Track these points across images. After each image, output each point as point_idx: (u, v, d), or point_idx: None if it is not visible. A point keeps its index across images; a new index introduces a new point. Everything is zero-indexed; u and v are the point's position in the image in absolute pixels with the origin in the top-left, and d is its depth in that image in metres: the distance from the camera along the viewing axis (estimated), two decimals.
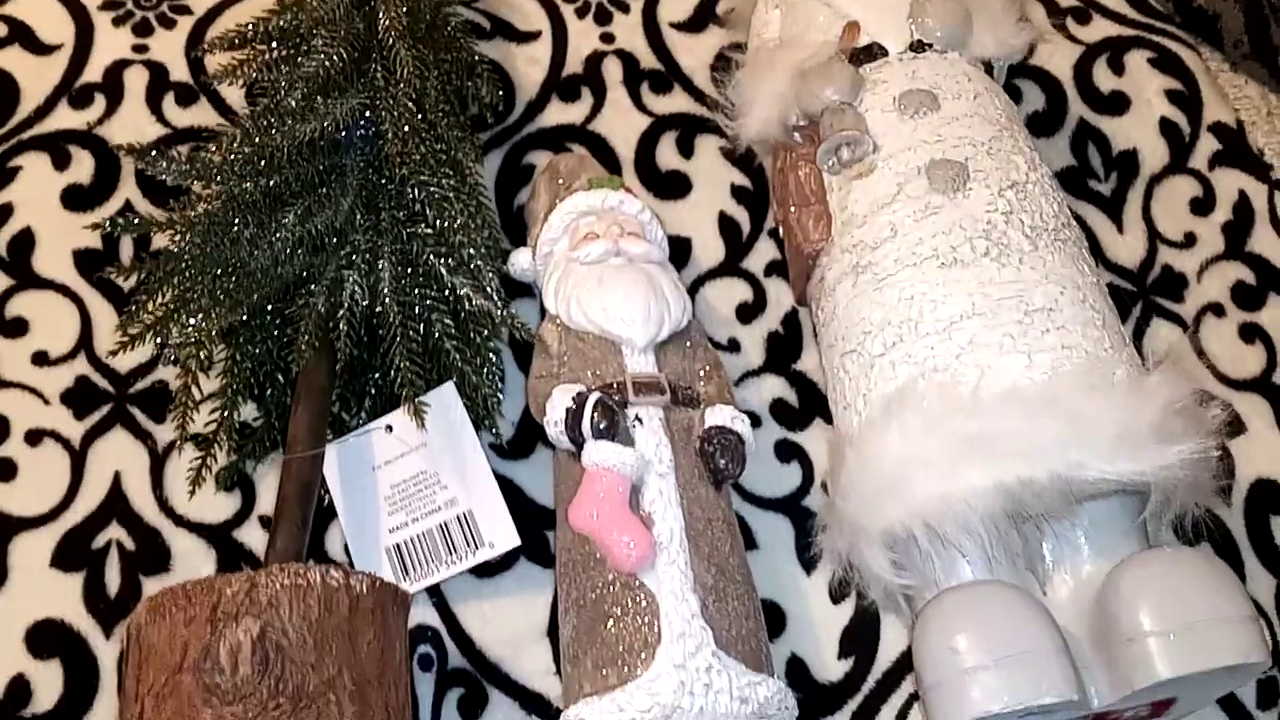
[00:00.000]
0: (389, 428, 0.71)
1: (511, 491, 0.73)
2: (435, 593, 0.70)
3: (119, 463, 0.74)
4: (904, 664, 0.69)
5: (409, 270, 0.71)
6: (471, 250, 0.71)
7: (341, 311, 0.69)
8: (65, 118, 0.85)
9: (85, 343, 0.77)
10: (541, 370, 0.70)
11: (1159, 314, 0.80)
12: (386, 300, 0.69)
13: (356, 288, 0.70)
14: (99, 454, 0.74)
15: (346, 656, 0.58)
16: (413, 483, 0.70)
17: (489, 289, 0.71)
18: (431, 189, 0.72)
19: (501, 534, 0.69)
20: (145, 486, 0.73)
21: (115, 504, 0.72)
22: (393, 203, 0.72)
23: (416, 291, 0.70)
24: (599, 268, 0.71)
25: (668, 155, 0.85)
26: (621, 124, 0.87)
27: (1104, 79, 0.88)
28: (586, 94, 0.88)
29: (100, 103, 0.86)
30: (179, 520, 0.72)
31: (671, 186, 0.84)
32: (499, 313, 0.70)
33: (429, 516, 0.70)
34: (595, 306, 0.69)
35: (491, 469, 0.70)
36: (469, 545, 0.69)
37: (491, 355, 0.73)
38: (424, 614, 0.70)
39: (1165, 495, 0.61)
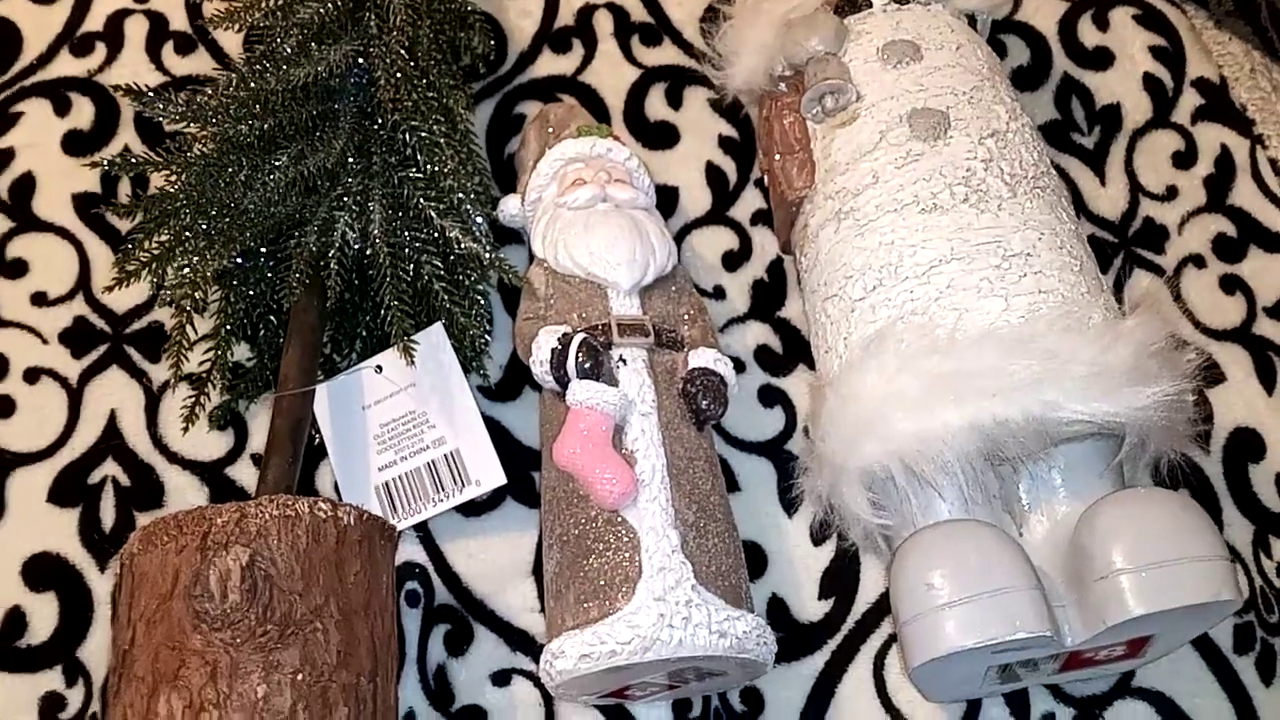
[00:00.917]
0: (379, 368, 0.73)
1: (499, 433, 0.74)
2: (423, 530, 0.72)
3: (115, 401, 0.75)
4: (883, 605, 0.70)
5: (399, 213, 0.72)
6: (461, 195, 0.72)
7: (332, 251, 0.70)
8: (66, 65, 0.87)
9: (84, 284, 0.79)
10: (528, 312, 0.71)
11: (1140, 265, 0.81)
12: (376, 240, 0.70)
13: (347, 228, 0.71)
14: (95, 392, 0.76)
15: (333, 586, 0.59)
16: (401, 422, 0.72)
17: (478, 233, 0.72)
18: (422, 134, 0.73)
19: (488, 472, 0.70)
20: (140, 424, 0.75)
21: (111, 441, 0.74)
22: (384, 148, 0.73)
23: (406, 234, 0.72)
24: (586, 213, 0.72)
25: (656, 106, 0.86)
26: (611, 75, 0.87)
27: (1089, 34, 0.89)
28: (578, 46, 0.88)
29: (101, 51, 0.87)
30: (172, 457, 0.74)
31: (660, 137, 0.85)
32: (487, 256, 0.71)
33: (417, 455, 0.71)
34: (581, 250, 0.70)
35: (479, 410, 0.72)
36: (456, 483, 0.70)
37: (480, 298, 0.74)
38: (412, 551, 0.71)
39: (1140, 438, 0.62)
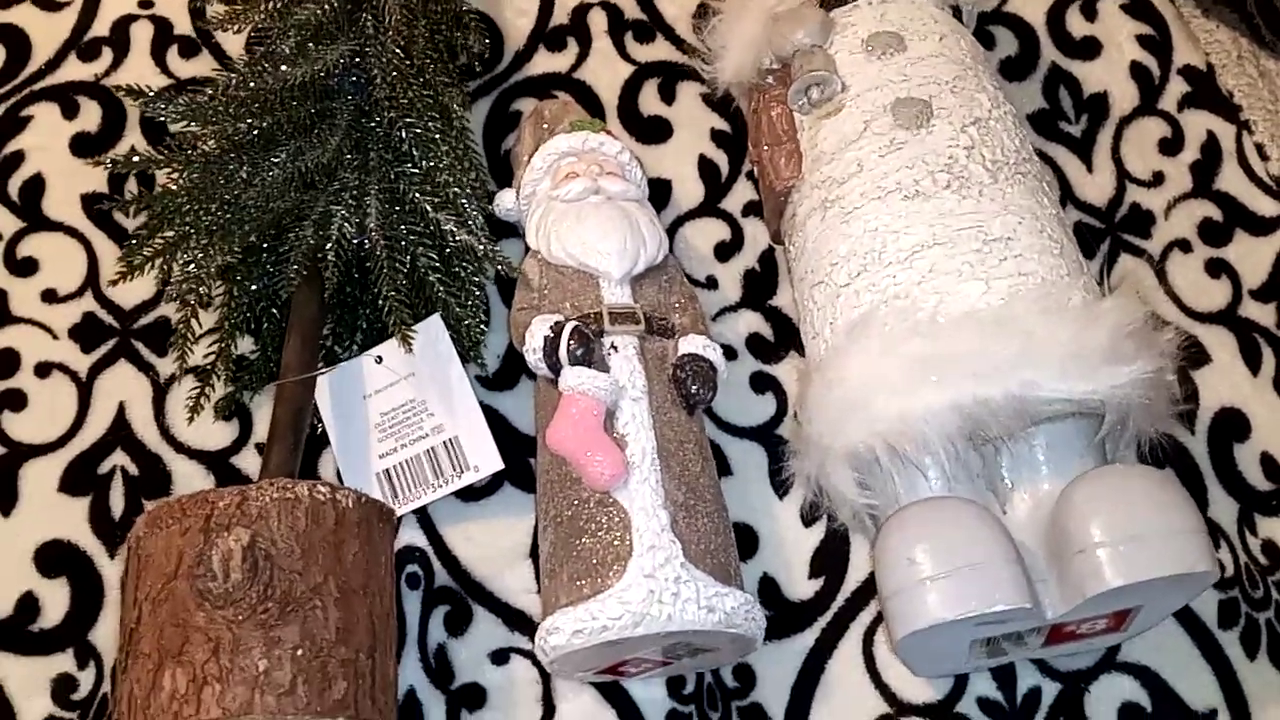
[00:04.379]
0: (379, 358, 0.74)
1: (496, 421, 0.76)
2: (423, 515, 0.74)
3: (123, 393, 0.77)
4: (872, 584, 0.72)
5: (396, 207, 0.74)
6: (457, 189, 0.74)
7: (329, 244, 0.72)
8: (74, 70, 0.89)
9: (92, 281, 0.81)
10: (523, 302, 0.73)
11: (1127, 250, 0.82)
12: (373, 234, 0.72)
13: (344, 222, 0.72)
14: (104, 385, 0.78)
15: (332, 566, 0.61)
16: (401, 411, 0.74)
17: (473, 225, 0.74)
18: (418, 131, 0.74)
19: (486, 458, 0.72)
20: (148, 415, 0.77)
21: (119, 432, 0.76)
22: (381, 144, 0.75)
23: (403, 227, 0.73)
24: (578, 205, 0.74)
25: (650, 101, 0.88)
26: (606, 72, 0.89)
27: (1076, 25, 0.90)
28: (572, 43, 0.90)
29: (107, 55, 0.89)
30: (179, 447, 0.76)
31: (653, 131, 0.87)
32: (481, 248, 0.73)
33: (417, 443, 0.73)
34: (574, 240, 0.72)
35: (477, 398, 0.74)
36: (455, 469, 0.72)
37: (476, 290, 0.76)
38: (412, 535, 0.73)
39: (1119, 416, 0.63)
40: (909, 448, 0.63)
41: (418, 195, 0.74)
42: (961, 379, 0.62)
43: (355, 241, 0.74)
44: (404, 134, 0.75)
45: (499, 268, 0.73)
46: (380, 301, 0.71)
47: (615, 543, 0.64)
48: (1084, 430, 0.66)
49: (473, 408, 0.73)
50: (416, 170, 0.74)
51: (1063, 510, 0.62)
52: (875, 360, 0.64)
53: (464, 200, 0.74)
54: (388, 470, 0.73)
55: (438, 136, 0.75)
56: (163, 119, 0.75)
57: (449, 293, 0.73)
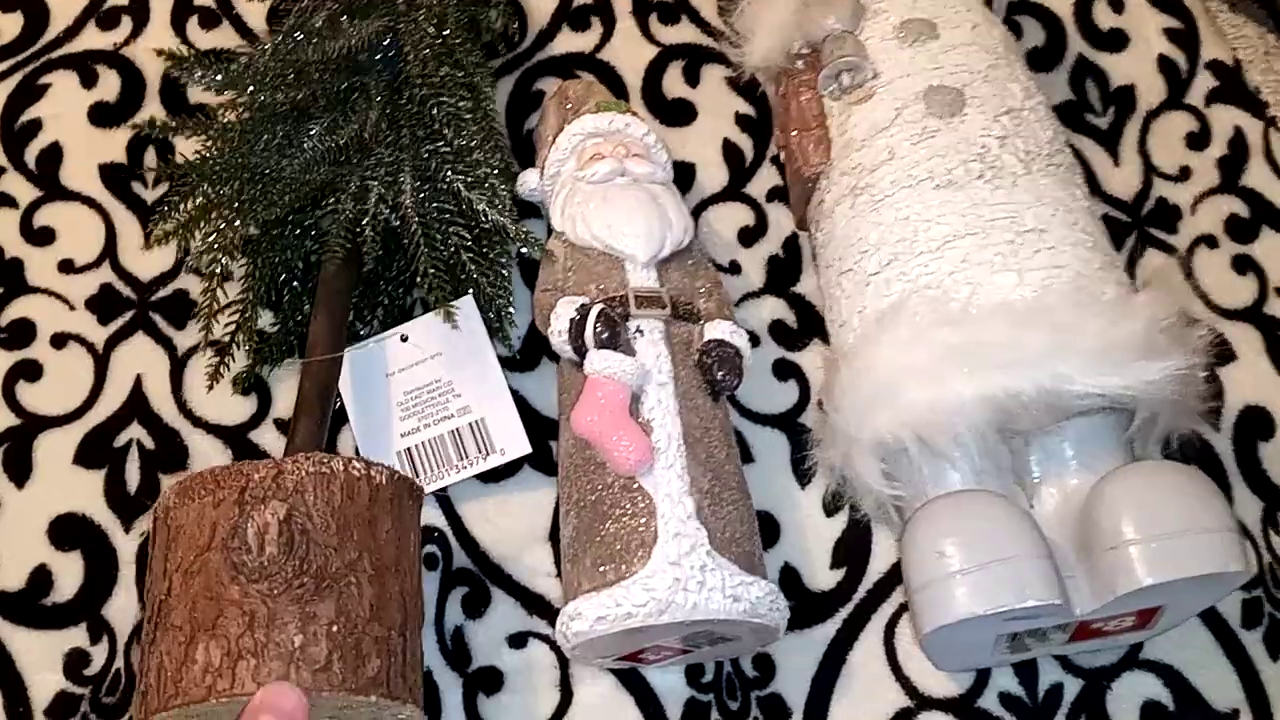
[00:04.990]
0: (403, 337, 0.74)
1: (517, 402, 0.74)
2: (441, 495, 0.73)
3: (140, 366, 0.77)
4: (894, 575, 0.71)
5: (428, 185, 0.73)
6: (487, 169, 0.73)
7: (366, 219, 0.71)
8: (93, 38, 0.88)
9: (110, 252, 0.80)
10: (547, 284, 0.72)
11: (1152, 244, 0.81)
12: (408, 210, 0.71)
13: (380, 198, 0.72)
14: (121, 358, 0.77)
15: (366, 542, 0.60)
16: (426, 390, 0.73)
17: (503, 206, 0.73)
18: (449, 110, 0.74)
19: (513, 441, 0.72)
20: (165, 389, 0.76)
21: (136, 405, 0.75)
22: (413, 121, 0.75)
23: (435, 205, 0.73)
24: (604, 187, 0.73)
25: (674, 83, 0.87)
26: (630, 53, 0.88)
27: (1104, 17, 0.89)
28: (596, 23, 0.89)
29: (127, 24, 0.88)
30: (197, 421, 0.75)
31: (677, 114, 0.86)
32: (513, 227, 0.72)
33: (441, 423, 0.72)
34: (600, 223, 0.71)
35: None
36: (480, 450, 0.71)
37: (503, 270, 0.75)
38: (430, 515, 0.72)
39: (1150, 412, 0.63)
40: (938, 438, 0.62)
41: (450, 174, 0.73)
42: (993, 370, 0.61)
43: (384, 217, 0.73)
44: (436, 112, 0.74)
45: (528, 248, 0.72)
46: (420, 279, 0.71)
47: (640, 528, 0.63)
48: (1113, 425, 0.65)
49: (502, 389, 0.73)
50: (449, 149, 0.74)
51: (1094, 506, 0.62)
52: (905, 349, 0.63)
53: (494, 180, 0.73)
54: (409, 449, 0.72)
55: (468, 116, 0.74)
56: (199, 84, 0.74)
57: (480, 272, 0.73)
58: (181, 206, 0.72)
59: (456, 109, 0.74)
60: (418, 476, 0.71)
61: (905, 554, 0.63)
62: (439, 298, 0.70)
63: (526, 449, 0.71)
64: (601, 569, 0.63)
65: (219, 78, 0.72)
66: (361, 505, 0.61)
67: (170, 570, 0.59)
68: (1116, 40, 0.89)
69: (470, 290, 0.74)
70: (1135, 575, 0.59)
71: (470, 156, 0.73)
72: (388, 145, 0.74)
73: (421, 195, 0.72)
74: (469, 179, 0.73)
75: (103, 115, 0.85)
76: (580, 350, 0.68)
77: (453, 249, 0.72)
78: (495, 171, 0.73)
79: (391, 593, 0.60)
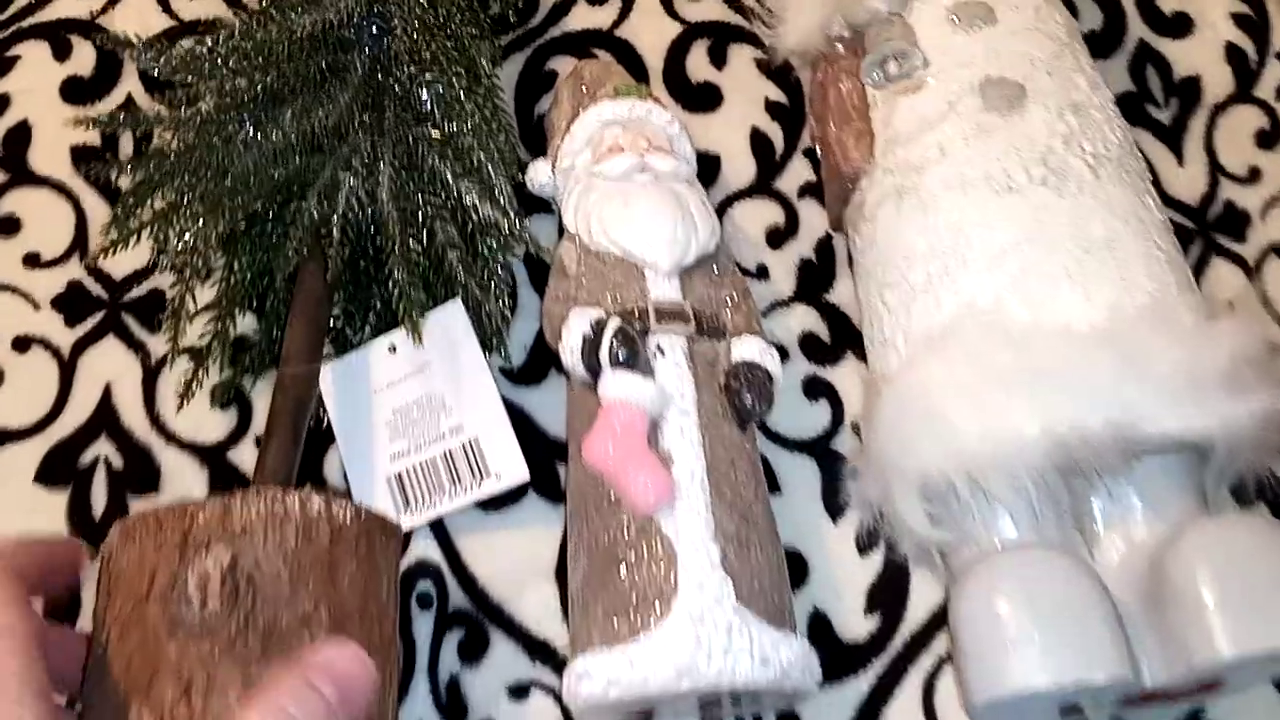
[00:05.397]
0: (392, 348, 0.67)
1: (521, 421, 0.68)
2: (437, 525, 0.66)
3: (110, 374, 0.70)
4: (935, 623, 0.64)
5: (413, 175, 0.66)
6: (482, 155, 0.66)
7: (335, 217, 0.64)
8: (67, 5, 0.82)
9: (80, 245, 0.74)
10: (557, 292, 0.65)
11: (1219, 253, 0.74)
12: (385, 205, 0.64)
13: (354, 192, 0.65)
14: (89, 364, 0.71)
15: (324, 590, 0.53)
16: (416, 407, 0.66)
17: (500, 197, 0.66)
18: (440, 89, 0.67)
19: (510, 465, 0.65)
20: (137, 400, 0.69)
21: (105, 417, 0.69)
22: (399, 103, 0.68)
23: (419, 197, 0.66)
24: (623, 184, 0.66)
25: (698, 65, 0.80)
26: (650, 30, 0.81)
27: None
28: None
29: None
30: (170, 438, 0.68)
31: (701, 99, 0.79)
32: (508, 223, 0.65)
33: (433, 444, 0.65)
34: (619, 226, 0.64)
35: (500, 396, 0.66)
36: (475, 475, 0.65)
37: (500, 270, 0.68)
38: (424, 547, 0.66)
39: (1230, 452, 0.56)
40: (993, 478, 0.56)
41: (436, 161, 0.66)
42: (1057, 400, 0.55)
43: (368, 212, 0.66)
44: (424, 92, 0.67)
45: (526, 245, 0.66)
46: (390, 284, 0.64)
47: (657, 577, 0.56)
48: (1185, 466, 0.59)
49: (495, 406, 0.65)
50: (438, 133, 0.67)
51: (1170, 566, 0.55)
52: (957, 373, 0.57)
53: (490, 168, 0.66)
54: (399, 474, 0.65)
55: (463, 96, 0.67)
56: (145, 68, 0.67)
57: (469, 273, 0.66)
58: (149, 202, 0.66)
59: (449, 87, 0.67)
60: (410, 505, 0.65)
61: (955, 615, 0.57)
62: (408, 307, 0.64)
63: (524, 475, 0.64)
64: (614, 621, 0.56)
65: (178, 63, 0.65)
66: (320, 548, 0.54)
67: (109, 620, 0.52)
68: (1180, 25, 0.82)
69: (460, 294, 0.67)
70: (1216, 647, 0.53)
71: (462, 142, 0.66)
72: (367, 130, 0.67)
73: (403, 187, 0.65)
74: (459, 168, 0.66)
75: (77, 91, 0.78)
76: (594, 369, 0.61)
77: (438, 247, 0.66)
78: (494, 159, 0.66)
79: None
